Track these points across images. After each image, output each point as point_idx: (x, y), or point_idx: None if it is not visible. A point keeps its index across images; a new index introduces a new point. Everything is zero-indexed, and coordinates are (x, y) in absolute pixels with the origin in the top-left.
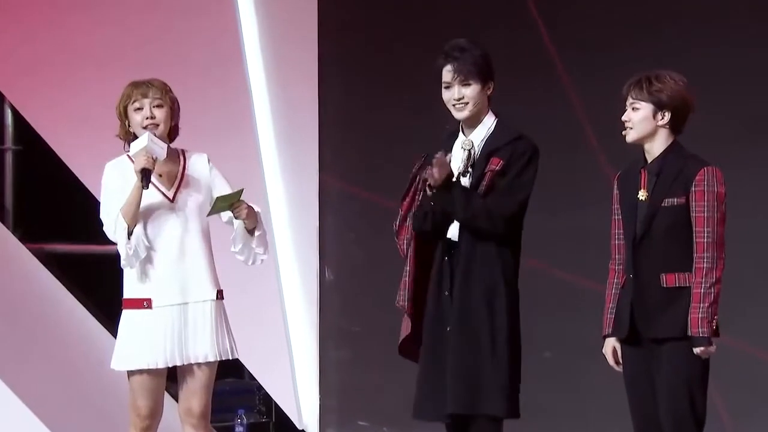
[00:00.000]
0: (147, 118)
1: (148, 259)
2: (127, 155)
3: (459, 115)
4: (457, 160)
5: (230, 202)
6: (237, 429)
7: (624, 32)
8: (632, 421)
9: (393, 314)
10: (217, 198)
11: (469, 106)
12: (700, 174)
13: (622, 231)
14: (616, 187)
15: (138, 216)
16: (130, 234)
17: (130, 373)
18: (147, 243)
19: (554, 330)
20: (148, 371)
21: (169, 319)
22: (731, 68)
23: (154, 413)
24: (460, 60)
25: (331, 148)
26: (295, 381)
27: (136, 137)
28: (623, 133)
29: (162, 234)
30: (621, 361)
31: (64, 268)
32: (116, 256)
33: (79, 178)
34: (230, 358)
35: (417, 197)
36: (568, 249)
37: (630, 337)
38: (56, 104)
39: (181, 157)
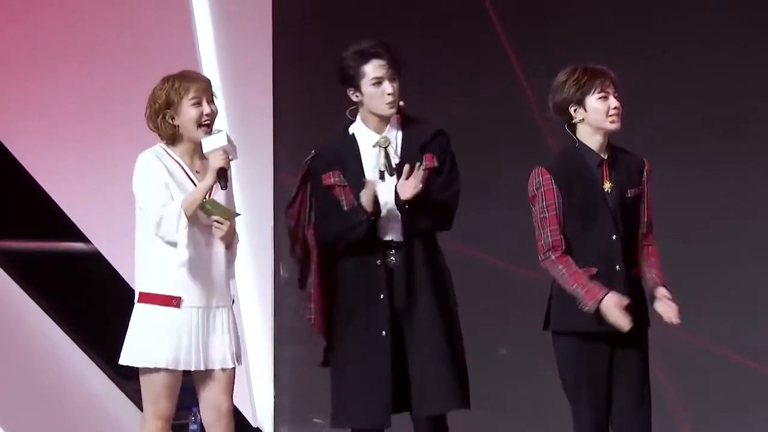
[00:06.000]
0: (206, 115)
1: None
2: (161, 146)
3: (391, 110)
4: (369, 158)
5: (219, 214)
6: (191, 427)
7: (580, 25)
8: (584, 413)
9: None
10: (212, 200)
11: (397, 101)
12: (647, 164)
13: (561, 225)
14: (552, 181)
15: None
16: None
17: (151, 372)
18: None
19: (508, 325)
20: (173, 371)
21: (195, 321)
22: (697, 66)
23: (172, 415)
24: (389, 56)
25: (286, 146)
26: (249, 379)
27: (176, 129)
28: (616, 120)
29: (195, 234)
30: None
31: (16, 266)
32: (72, 254)
33: (32, 175)
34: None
35: (305, 204)
36: (521, 244)
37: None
38: (9, 100)
39: None
